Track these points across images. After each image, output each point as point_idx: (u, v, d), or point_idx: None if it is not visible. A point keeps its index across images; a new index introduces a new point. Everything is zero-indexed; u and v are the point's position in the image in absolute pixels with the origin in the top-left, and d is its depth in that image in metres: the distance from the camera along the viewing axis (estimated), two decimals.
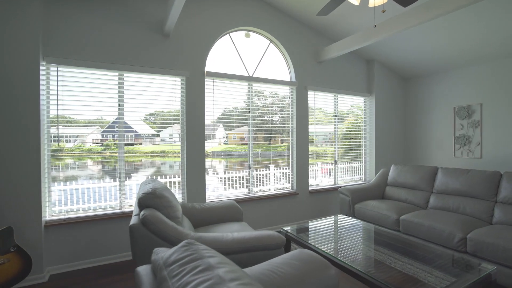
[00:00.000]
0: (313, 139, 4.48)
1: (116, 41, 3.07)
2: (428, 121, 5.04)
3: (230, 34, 3.88)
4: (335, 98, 4.72)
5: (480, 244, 2.39)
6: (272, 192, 4.09)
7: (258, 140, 4.17)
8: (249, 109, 3.95)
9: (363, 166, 5.09)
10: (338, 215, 3.12)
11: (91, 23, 2.96)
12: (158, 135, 3.55)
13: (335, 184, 4.73)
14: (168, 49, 3.34)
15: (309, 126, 4.36)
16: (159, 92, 3.35)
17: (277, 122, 4.29)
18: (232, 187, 3.93)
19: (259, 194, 3.98)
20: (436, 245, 2.72)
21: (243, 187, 3.95)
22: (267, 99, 4.16)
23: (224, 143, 4.06)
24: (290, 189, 4.26)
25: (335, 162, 4.72)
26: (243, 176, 3.98)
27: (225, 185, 3.92)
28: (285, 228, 2.70)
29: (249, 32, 4.04)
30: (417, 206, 3.46)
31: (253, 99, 3.98)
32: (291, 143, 4.28)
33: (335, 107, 4.72)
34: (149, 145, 3.51)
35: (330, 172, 4.77)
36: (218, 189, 3.87)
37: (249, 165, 3.95)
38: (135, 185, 3.29)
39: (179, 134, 3.52)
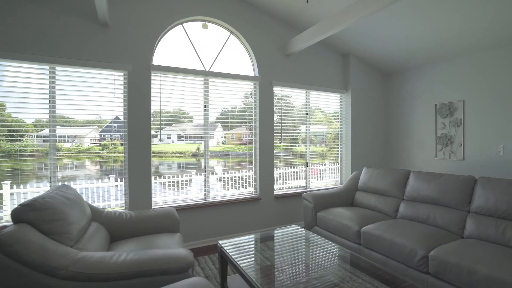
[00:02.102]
0: (304, 139, 4.11)
1: (46, 31, 2.73)
2: (409, 119, 4.65)
3: (184, 25, 3.52)
4: (306, 95, 4.35)
5: (443, 264, 2.01)
6: (231, 197, 3.73)
7: (227, 141, 3.83)
8: (205, 106, 3.60)
9: (339, 168, 4.70)
10: (291, 226, 2.75)
11: (12, 11, 2.62)
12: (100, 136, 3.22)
13: (306, 188, 4.36)
14: (108, 40, 3.00)
15: (300, 126, 4.00)
16: (98, 88, 3.00)
17: (240, 120, 3.93)
18: (203, 191, 3.57)
19: (216, 200, 3.62)
20: (398, 263, 2.35)
21: (214, 190, 3.60)
22: (228, 96, 3.79)
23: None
24: (253, 193, 3.90)
25: (306, 164, 4.35)
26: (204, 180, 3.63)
27: (180, 188, 3.57)
28: (221, 242, 2.33)
29: (207, 23, 3.68)
30: (386, 215, 3.08)
31: (213, 95, 3.62)
32: (254, 143, 3.91)
33: (306, 104, 4.35)
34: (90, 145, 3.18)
35: (320, 173, 4.42)
36: (177, 193, 3.51)
37: (205, 167, 3.60)
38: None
39: (120, 135, 3.17)
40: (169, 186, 3.58)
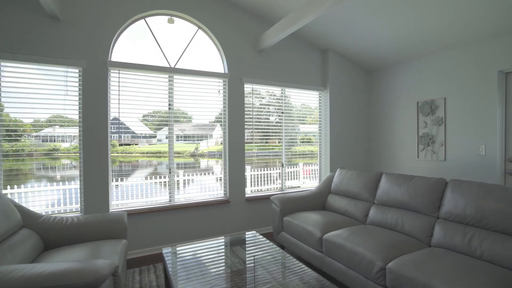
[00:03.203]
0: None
1: None
2: (391, 118, 4.44)
3: (147, 19, 3.34)
4: (282, 93, 4.15)
5: (400, 278, 1.82)
6: (198, 199, 3.55)
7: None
8: (170, 105, 3.42)
9: (318, 169, 4.50)
10: (249, 233, 2.56)
11: None
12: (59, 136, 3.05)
13: (282, 190, 4.17)
14: (58, 34, 2.82)
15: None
16: (49, 86, 2.83)
17: (209, 119, 3.75)
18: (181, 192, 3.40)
19: (182, 202, 3.44)
20: (358, 275, 2.15)
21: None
22: (196, 94, 3.61)
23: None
24: (223, 196, 3.71)
25: (282, 165, 4.15)
26: (188, 180, 3.45)
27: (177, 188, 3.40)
28: (166, 251, 2.16)
29: (173, 18, 3.50)
30: (355, 220, 2.88)
31: (179, 93, 3.44)
32: (224, 142, 3.73)
33: (282, 102, 4.15)
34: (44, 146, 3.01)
35: (313, 173, 4.25)
36: (146, 195, 3.34)
37: (169, 168, 3.42)
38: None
39: (74, 136, 3.00)
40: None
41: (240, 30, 3.75)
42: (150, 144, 3.59)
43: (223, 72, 3.71)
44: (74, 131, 3.00)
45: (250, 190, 4.02)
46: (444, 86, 3.72)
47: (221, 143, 3.76)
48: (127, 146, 3.40)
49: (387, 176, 2.82)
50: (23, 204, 2.73)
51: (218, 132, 3.82)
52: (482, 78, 3.34)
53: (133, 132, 3.44)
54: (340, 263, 2.30)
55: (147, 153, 3.55)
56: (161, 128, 3.55)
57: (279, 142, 4.14)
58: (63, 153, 3.06)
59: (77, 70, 2.94)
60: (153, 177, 3.45)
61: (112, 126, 3.14)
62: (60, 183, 3.02)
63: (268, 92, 4.14)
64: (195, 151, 3.73)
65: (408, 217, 2.47)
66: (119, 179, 3.23)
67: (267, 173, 4.14)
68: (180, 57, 3.52)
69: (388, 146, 4.48)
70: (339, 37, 3.95)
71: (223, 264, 1.96)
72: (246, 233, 2.57)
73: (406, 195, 2.54)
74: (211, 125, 3.78)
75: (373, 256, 2.01)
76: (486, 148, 3.30)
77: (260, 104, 4.04)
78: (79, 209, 2.97)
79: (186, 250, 2.20)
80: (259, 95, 4.03)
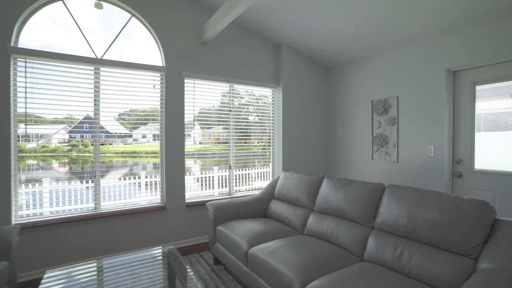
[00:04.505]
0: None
1: None
2: (348, 118, 4.25)
3: (66, 1, 2.92)
4: (230, 89, 3.84)
5: None
6: (129, 206, 3.17)
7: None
8: (96, 100, 3.02)
9: (271, 172, 4.24)
10: (155, 248, 2.23)
11: None
12: None
13: (230, 195, 3.86)
14: None
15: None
16: None
17: (143, 115, 3.38)
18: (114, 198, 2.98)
19: (109, 210, 3.05)
20: None
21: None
22: (128, 89, 3.22)
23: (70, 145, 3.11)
24: (159, 201, 3.35)
25: (230, 168, 3.85)
26: (113, 186, 3.04)
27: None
28: (47, 276, 1.78)
29: (101, 2, 3.10)
30: (293, 229, 2.62)
31: (107, 87, 3.05)
32: (161, 142, 3.37)
33: (230, 99, 3.84)
34: None
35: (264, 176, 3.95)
36: (64, 202, 2.91)
37: (94, 172, 3.02)
38: None
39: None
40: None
41: (180, 19, 3.40)
42: (71, 144, 3.17)
43: (159, 65, 3.34)
44: None
45: (218, 192, 3.79)
46: (396, 85, 3.56)
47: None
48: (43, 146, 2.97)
49: (328, 180, 2.59)
50: None
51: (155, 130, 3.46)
52: (431, 77, 3.19)
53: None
54: (264, 281, 2.02)
55: (69, 151, 3.14)
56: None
57: (245, 142, 3.83)
58: None
59: None
60: (77, 182, 3.03)
61: (18, 125, 2.70)
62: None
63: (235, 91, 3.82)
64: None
65: (343, 226, 2.24)
66: (29, 185, 2.80)
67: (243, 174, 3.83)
68: (109, 47, 3.12)
69: (344, 147, 4.29)
70: (293, 31, 3.69)
71: None
72: (159, 248, 2.24)
73: (343, 202, 2.31)
74: (149, 123, 3.42)
75: (292, 276, 1.74)
76: (435, 149, 3.16)
77: (205, 101, 3.70)
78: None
79: (75, 272, 1.84)
80: (202, 92, 3.70)
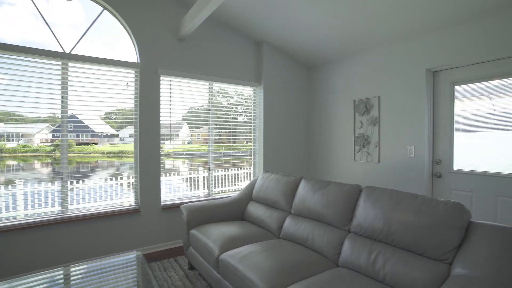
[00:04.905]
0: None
1: None
2: (330, 118, 4.19)
3: None
4: (210, 87, 3.72)
5: None
6: (98, 210, 3.01)
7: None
8: (63, 97, 2.85)
9: (252, 173, 4.14)
10: (122, 254, 2.09)
11: None
12: None
13: (209, 196, 3.74)
14: None
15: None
16: None
17: (115, 115, 3.22)
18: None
19: (77, 214, 2.89)
20: None
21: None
22: (99, 87, 3.06)
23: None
24: (133, 204, 3.20)
25: (209, 168, 3.73)
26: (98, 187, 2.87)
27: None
28: None
29: None
30: (269, 233, 2.53)
31: (76, 83, 2.88)
32: (135, 142, 3.22)
33: (209, 98, 3.72)
34: None
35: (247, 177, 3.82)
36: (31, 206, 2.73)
37: (61, 174, 2.85)
38: None
39: None
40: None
41: (155, 13, 3.26)
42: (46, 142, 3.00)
43: (134, 61, 3.19)
44: None
45: (203, 193, 3.69)
46: (378, 85, 3.52)
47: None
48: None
49: (305, 181, 2.50)
50: None
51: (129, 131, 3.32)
52: (411, 77, 3.15)
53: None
54: None
55: (35, 151, 2.96)
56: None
57: (233, 142, 3.71)
58: None
59: None
60: (48, 183, 2.86)
61: None
62: None
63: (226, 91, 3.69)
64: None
65: (319, 230, 2.16)
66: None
67: (229, 174, 3.71)
68: (78, 41, 2.95)
69: (327, 148, 4.23)
70: (275, 29, 3.59)
71: None
72: (126, 254, 2.10)
73: (320, 204, 2.23)
74: (123, 122, 3.26)
75: (261, 285, 1.64)
76: (415, 149, 3.13)
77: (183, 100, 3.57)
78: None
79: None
80: (178, 89, 3.57)
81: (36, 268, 2.65)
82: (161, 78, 3.31)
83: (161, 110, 3.30)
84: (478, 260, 1.36)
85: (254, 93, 4.10)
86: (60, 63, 2.84)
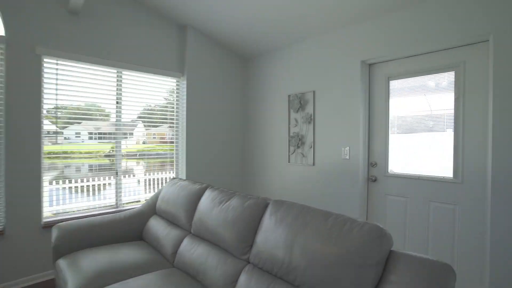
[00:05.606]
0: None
1: None
2: (266, 115, 3.74)
3: None
4: (118, 76, 3.06)
5: None
6: None
7: None
8: None
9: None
10: None
11: None
12: None
13: (117, 207, 3.08)
14: None
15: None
16: None
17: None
18: None
19: None
20: None
21: None
22: None
23: None
24: None
25: (116, 174, 3.07)
26: None
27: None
28: None
29: None
30: (163, 259, 1.98)
31: None
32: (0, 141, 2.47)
33: (117, 88, 3.06)
34: None
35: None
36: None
37: None
38: None
39: None
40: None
41: None
42: None
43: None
44: None
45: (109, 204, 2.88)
46: (313, 78, 3.13)
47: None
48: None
49: (209, 192, 1.99)
50: None
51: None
52: (347, 70, 2.79)
53: None
54: None
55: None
56: None
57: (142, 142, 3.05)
58: None
59: None
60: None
61: None
62: None
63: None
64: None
65: (214, 258, 1.65)
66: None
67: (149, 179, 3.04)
68: None
69: (261, 149, 3.77)
70: (203, 10, 3.02)
71: None
72: None
73: (218, 223, 1.72)
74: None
75: None
76: (350, 151, 2.77)
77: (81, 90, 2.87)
78: None
79: None
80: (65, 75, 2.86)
81: None
82: (44, 59, 2.58)
83: (44, 100, 2.58)
84: None
85: (177, 85, 3.50)
86: None
